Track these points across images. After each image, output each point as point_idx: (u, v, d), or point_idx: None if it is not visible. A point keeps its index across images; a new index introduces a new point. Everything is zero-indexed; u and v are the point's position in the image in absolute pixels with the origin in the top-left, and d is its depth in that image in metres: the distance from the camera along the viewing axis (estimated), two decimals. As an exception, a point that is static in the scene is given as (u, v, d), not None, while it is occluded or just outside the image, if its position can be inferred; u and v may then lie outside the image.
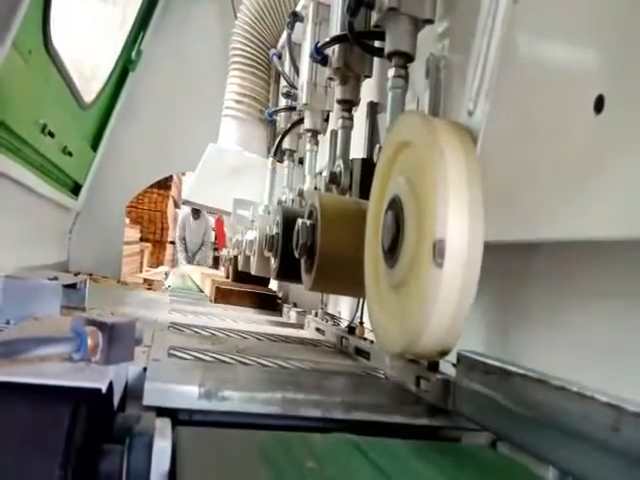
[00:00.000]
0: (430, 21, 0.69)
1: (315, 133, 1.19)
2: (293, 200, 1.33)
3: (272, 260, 1.05)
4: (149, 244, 5.95)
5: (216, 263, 5.45)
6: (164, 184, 6.26)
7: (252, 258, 1.34)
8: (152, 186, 4.80)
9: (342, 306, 1.26)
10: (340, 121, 0.96)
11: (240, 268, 1.57)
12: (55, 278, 1.03)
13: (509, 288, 0.67)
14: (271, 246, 1.03)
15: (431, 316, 0.42)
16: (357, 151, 0.98)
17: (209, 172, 1.78)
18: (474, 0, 0.56)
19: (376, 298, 0.56)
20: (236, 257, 1.71)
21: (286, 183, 1.42)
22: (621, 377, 0.48)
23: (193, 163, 1.89)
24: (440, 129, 0.47)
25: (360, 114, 1.00)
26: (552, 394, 0.38)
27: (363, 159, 0.87)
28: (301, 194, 1.17)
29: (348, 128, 0.96)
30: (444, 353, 0.46)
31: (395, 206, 0.51)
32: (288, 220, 0.93)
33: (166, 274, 3.29)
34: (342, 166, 0.91)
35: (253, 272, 1.30)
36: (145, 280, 2.64)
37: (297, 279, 0.92)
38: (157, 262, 6.28)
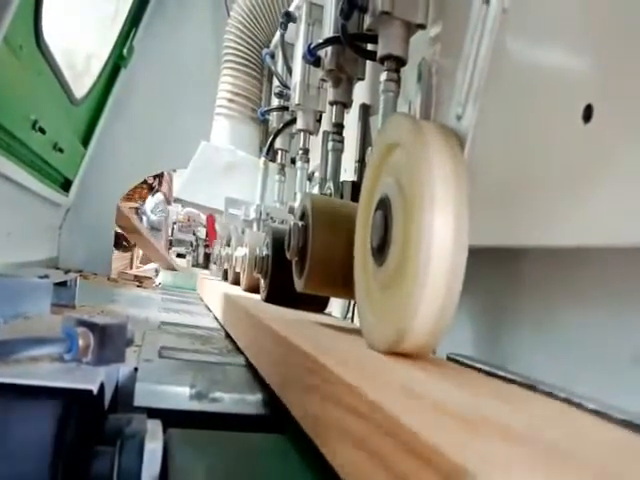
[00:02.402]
0: (422, 26, 0.69)
1: (306, 151, 1.19)
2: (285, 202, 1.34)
3: (262, 281, 1.03)
4: (140, 240, 5.91)
5: (207, 260, 5.42)
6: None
7: (242, 275, 1.33)
8: (142, 182, 4.77)
9: (333, 306, 1.26)
10: (331, 144, 0.96)
11: (230, 283, 1.54)
12: (46, 276, 1.03)
13: (499, 291, 0.68)
14: (261, 268, 1.01)
15: (419, 304, 0.42)
16: (349, 153, 0.98)
17: (201, 170, 1.77)
18: (466, 6, 0.57)
19: (365, 297, 0.56)
20: (226, 270, 1.69)
21: (278, 181, 1.44)
22: (611, 381, 0.49)
23: (185, 160, 1.88)
24: (427, 130, 0.47)
25: (352, 116, 1.01)
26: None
27: (353, 182, 0.88)
28: (292, 211, 1.16)
29: (339, 151, 0.96)
30: (430, 346, 0.47)
31: (384, 205, 0.52)
32: (279, 242, 0.90)
33: (156, 271, 3.28)
34: (332, 189, 0.92)
35: (242, 289, 1.29)
36: (136, 277, 2.63)
37: (288, 303, 0.92)
38: (147, 258, 6.24)
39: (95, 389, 0.46)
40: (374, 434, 0.29)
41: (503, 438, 0.26)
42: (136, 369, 0.63)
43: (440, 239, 0.42)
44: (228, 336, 1.01)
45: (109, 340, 0.54)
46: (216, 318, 1.26)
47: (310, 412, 0.42)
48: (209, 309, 1.47)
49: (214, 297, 1.33)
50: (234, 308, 0.97)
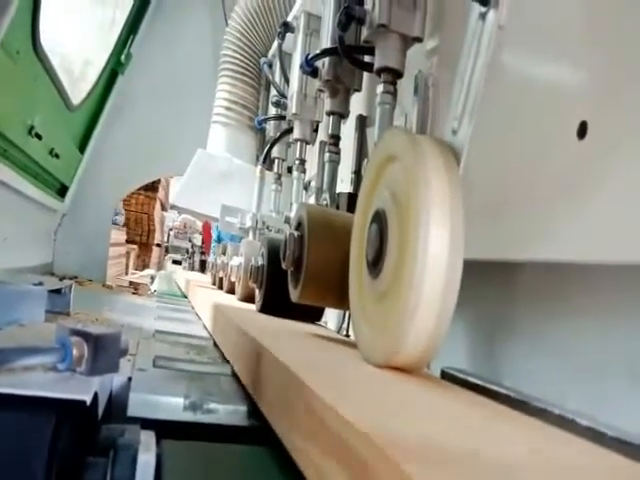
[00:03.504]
0: (419, 39, 0.70)
1: (303, 161, 1.20)
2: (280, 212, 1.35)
3: (257, 292, 1.03)
4: (135, 246, 5.91)
5: (202, 267, 5.42)
6: (151, 186, 6.21)
7: (237, 284, 1.32)
8: (139, 188, 4.76)
9: (328, 317, 1.26)
10: (327, 155, 0.96)
11: (225, 291, 1.54)
12: (40, 283, 1.02)
13: (495, 303, 0.68)
14: (256, 278, 1.00)
15: (414, 317, 0.42)
16: (346, 163, 0.98)
17: (197, 178, 1.77)
18: (462, 20, 0.57)
19: (360, 309, 0.56)
20: (221, 279, 1.69)
21: (274, 190, 1.44)
22: (605, 393, 0.49)
23: (181, 167, 1.89)
24: (424, 145, 0.48)
25: (349, 127, 1.01)
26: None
27: (349, 193, 0.89)
28: (287, 221, 1.17)
29: (335, 162, 0.96)
30: (425, 361, 0.47)
31: (379, 219, 0.52)
32: (275, 252, 0.89)
33: (152, 278, 3.27)
34: (328, 200, 0.92)
35: (237, 298, 1.29)
36: (131, 283, 2.62)
37: (283, 313, 0.92)
38: (143, 265, 6.23)
39: (88, 400, 0.46)
40: (348, 451, 0.29)
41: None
42: (130, 379, 0.62)
43: (435, 253, 0.42)
44: (216, 345, 1.01)
45: (103, 350, 0.54)
46: (205, 327, 1.26)
47: (287, 426, 0.42)
48: (199, 317, 1.46)
49: (204, 306, 1.33)
50: (222, 318, 0.97)
